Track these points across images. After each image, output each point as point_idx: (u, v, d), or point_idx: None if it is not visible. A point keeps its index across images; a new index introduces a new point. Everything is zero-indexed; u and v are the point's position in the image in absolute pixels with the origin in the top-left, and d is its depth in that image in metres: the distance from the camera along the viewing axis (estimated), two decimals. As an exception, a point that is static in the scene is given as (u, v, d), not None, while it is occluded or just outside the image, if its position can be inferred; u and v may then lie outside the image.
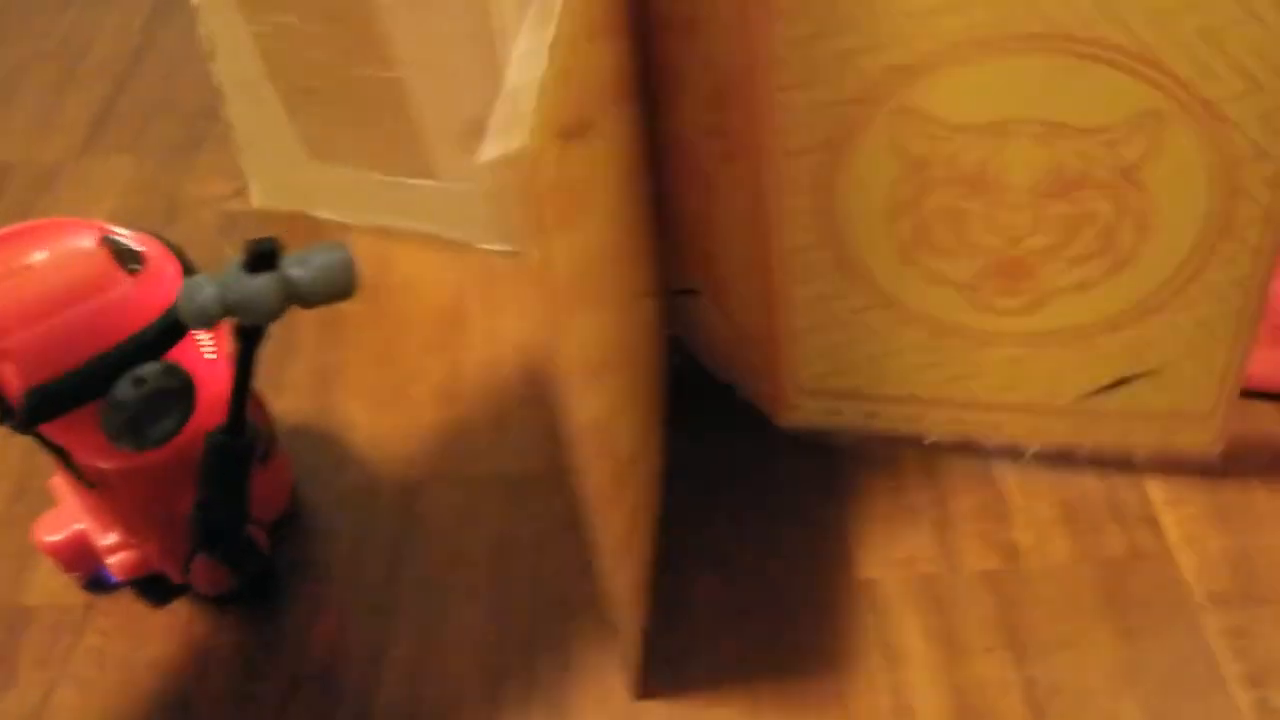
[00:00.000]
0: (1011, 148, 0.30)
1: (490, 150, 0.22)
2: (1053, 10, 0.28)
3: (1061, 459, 0.38)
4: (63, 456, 0.31)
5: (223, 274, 0.29)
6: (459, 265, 0.47)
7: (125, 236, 0.33)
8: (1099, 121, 0.29)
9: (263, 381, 0.34)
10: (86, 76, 0.61)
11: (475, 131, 0.44)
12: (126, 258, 0.32)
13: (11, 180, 0.48)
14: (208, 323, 0.29)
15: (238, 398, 0.31)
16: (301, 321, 0.44)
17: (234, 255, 0.29)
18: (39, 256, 0.31)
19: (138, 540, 0.34)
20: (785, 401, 0.39)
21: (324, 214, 0.50)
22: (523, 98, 0.23)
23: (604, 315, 0.31)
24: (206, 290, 0.28)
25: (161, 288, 0.32)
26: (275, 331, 0.30)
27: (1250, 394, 0.38)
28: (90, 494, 0.31)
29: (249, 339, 0.30)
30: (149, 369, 0.30)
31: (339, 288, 0.29)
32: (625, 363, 0.34)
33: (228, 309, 0.29)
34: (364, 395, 0.43)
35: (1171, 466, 0.37)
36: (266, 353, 0.32)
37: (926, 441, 0.38)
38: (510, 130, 0.23)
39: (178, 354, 0.31)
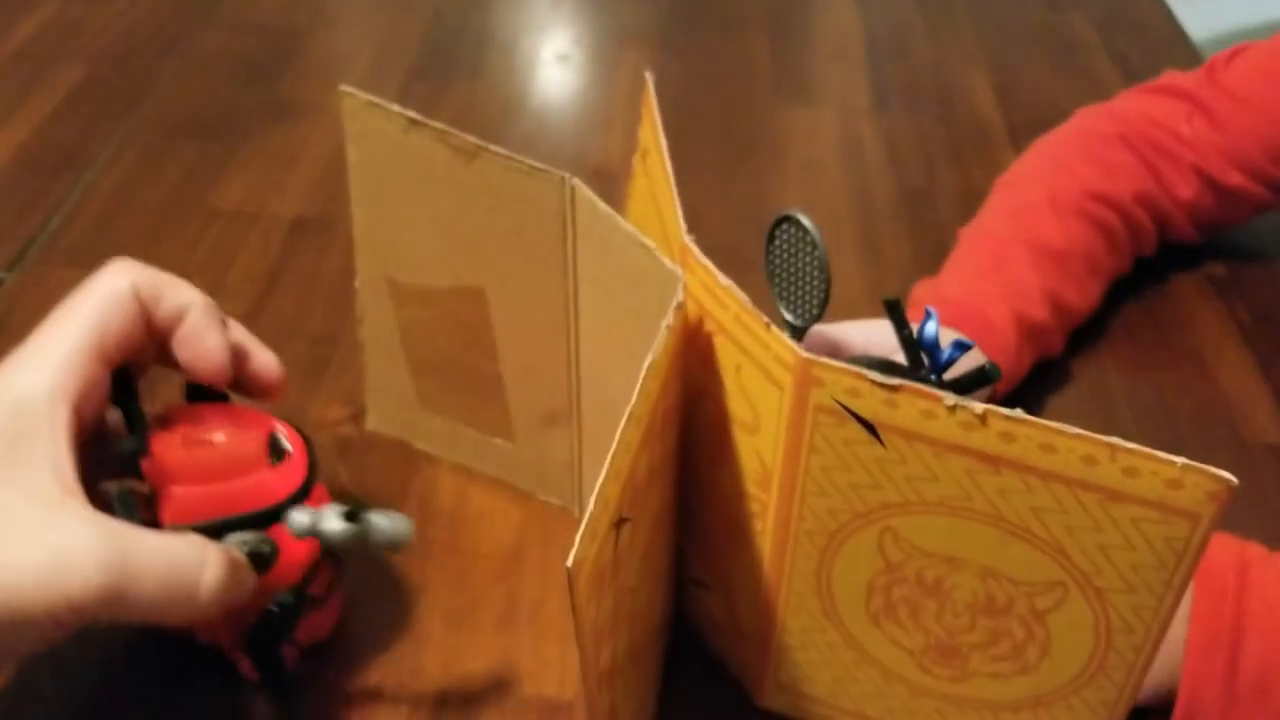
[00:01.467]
0: (960, 575, 0.42)
1: (579, 549, 0.34)
2: (1000, 503, 0.39)
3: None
4: None
5: (319, 514, 0.44)
6: (522, 509, 0.59)
7: (284, 434, 0.46)
8: (1022, 578, 0.41)
9: (358, 587, 0.46)
10: (233, 289, 0.71)
11: (547, 416, 0.56)
12: (276, 452, 0.46)
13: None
14: (300, 535, 0.44)
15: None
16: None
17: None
18: (219, 436, 0.44)
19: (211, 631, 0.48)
20: (765, 691, 0.50)
21: (422, 447, 0.63)
22: (601, 505, 0.35)
23: (628, 634, 0.42)
24: (305, 521, 0.44)
25: (288, 481, 0.45)
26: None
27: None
28: None
29: None
30: (251, 534, 0.44)
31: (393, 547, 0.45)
32: (639, 660, 0.46)
33: (314, 534, 0.44)
34: (439, 613, 0.54)
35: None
36: (358, 566, 0.45)
37: (865, 747, 0.50)
38: (589, 530, 0.34)
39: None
